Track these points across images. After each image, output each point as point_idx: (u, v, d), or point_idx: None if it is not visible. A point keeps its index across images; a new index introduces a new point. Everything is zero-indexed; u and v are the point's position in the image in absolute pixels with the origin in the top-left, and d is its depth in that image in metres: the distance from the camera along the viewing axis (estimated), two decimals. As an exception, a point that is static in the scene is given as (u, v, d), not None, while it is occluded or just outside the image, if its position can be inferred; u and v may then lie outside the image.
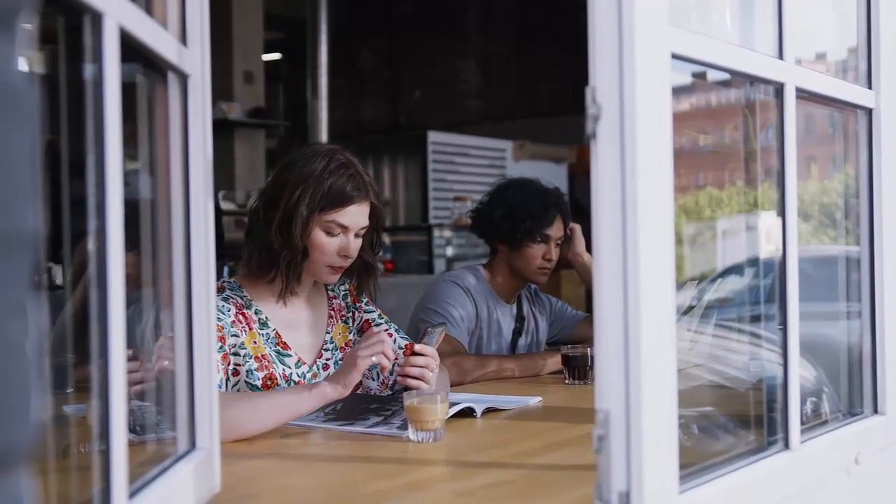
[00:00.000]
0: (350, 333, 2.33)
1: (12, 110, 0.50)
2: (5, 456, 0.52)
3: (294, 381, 2.16)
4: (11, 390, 0.51)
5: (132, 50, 1.09)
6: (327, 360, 2.26)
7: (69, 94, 1.02)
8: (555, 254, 2.96)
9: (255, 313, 2.17)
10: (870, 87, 1.77)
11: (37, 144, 0.54)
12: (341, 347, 2.30)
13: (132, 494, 1.08)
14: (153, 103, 1.32)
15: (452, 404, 1.98)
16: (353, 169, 2.18)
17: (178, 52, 1.28)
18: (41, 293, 0.58)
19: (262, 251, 2.16)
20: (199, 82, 1.35)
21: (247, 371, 2.09)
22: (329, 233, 2.14)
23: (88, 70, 1.00)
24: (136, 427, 1.34)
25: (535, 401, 2.30)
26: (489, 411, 2.13)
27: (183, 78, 1.32)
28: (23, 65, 0.53)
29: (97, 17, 0.98)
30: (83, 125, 1.00)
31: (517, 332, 3.08)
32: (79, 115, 1.00)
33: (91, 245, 0.99)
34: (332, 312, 2.32)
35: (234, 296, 2.15)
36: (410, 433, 1.83)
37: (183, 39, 1.32)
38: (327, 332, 2.29)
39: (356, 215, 2.16)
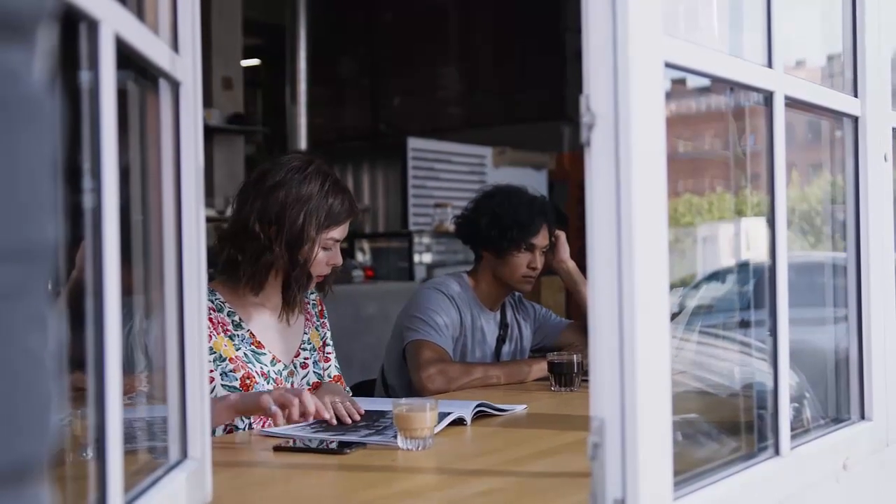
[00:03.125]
0: (320, 339, 2.43)
1: (35, 121, 0.49)
2: (28, 467, 0.52)
3: (272, 379, 2.23)
4: (33, 402, 0.51)
5: (125, 57, 1.09)
6: (305, 358, 2.35)
7: (62, 101, 1.01)
8: (539, 262, 2.96)
9: (228, 315, 2.22)
10: (855, 96, 1.79)
11: (57, 154, 0.54)
12: (318, 348, 2.40)
13: (126, 505, 1.07)
14: (144, 110, 1.31)
15: (442, 415, 1.98)
16: (343, 185, 2.30)
17: (170, 60, 1.27)
18: (58, 303, 0.58)
19: (264, 270, 2.20)
20: (191, 90, 1.34)
21: (222, 373, 2.15)
22: (325, 248, 2.24)
23: (83, 77, 0.99)
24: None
25: (520, 408, 2.30)
26: (479, 417, 2.13)
27: (175, 85, 1.31)
28: (42, 73, 0.53)
29: (93, 25, 0.97)
30: (78, 132, 0.99)
31: (501, 340, 3.08)
32: (74, 121, 1.00)
33: (87, 253, 0.99)
34: (308, 315, 2.41)
35: None
36: (399, 441, 1.82)
37: (175, 46, 1.31)
38: (305, 333, 2.37)
39: (347, 229, 2.29)
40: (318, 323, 2.43)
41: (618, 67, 1.14)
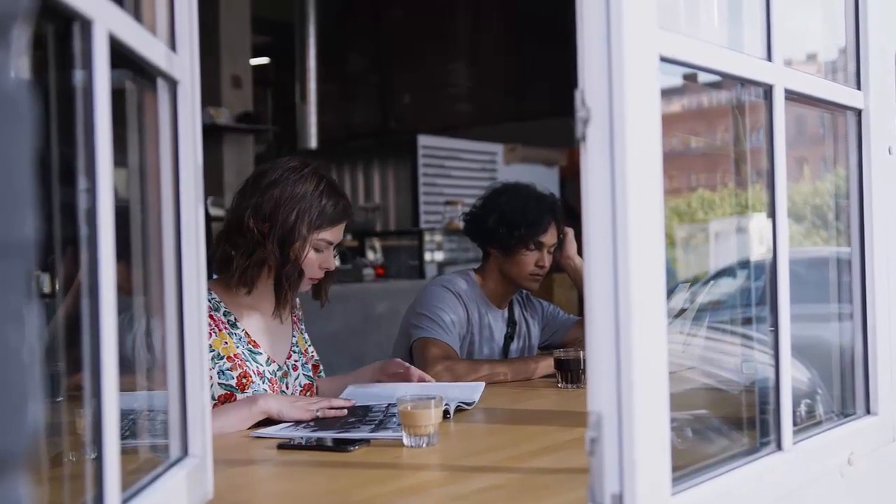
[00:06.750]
0: (306, 343, 2.47)
1: (10, 118, 0.50)
2: (3, 461, 0.52)
3: (267, 378, 2.26)
4: (10, 396, 0.51)
5: (121, 56, 1.09)
6: (295, 361, 2.39)
7: (58, 101, 1.02)
8: (547, 260, 2.96)
9: (224, 315, 2.26)
10: (859, 88, 1.78)
11: (33, 152, 0.55)
12: (304, 352, 2.43)
13: (125, 501, 1.07)
14: (142, 110, 1.32)
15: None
16: (339, 189, 2.32)
17: (167, 58, 1.28)
18: (36, 300, 0.59)
19: (255, 266, 2.23)
20: (189, 88, 1.35)
21: (219, 372, 2.18)
22: (317, 250, 2.27)
23: (78, 76, 1.00)
24: (125, 433, 1.33)
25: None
26: (484, 412, 2.14)
27: (172, 84, 1.32)
28: (18, 72, 0.53)
29: (87, 24, 0.97)
30: (72, 132, 1.00)
31: (509, 337, 3.07)
32: (68, 121, 1.00)
33: (83, 253, 0.99)
34: (295, 320, 2.45)
35: None
36: (405, 438, 1.82)
37: (172, 45, 1.32)
38: (293, 336, 2.42)
39: (341, 232, 2.32)
40: (302, 328, 2.48)
41: (612, 62, 1.14)
